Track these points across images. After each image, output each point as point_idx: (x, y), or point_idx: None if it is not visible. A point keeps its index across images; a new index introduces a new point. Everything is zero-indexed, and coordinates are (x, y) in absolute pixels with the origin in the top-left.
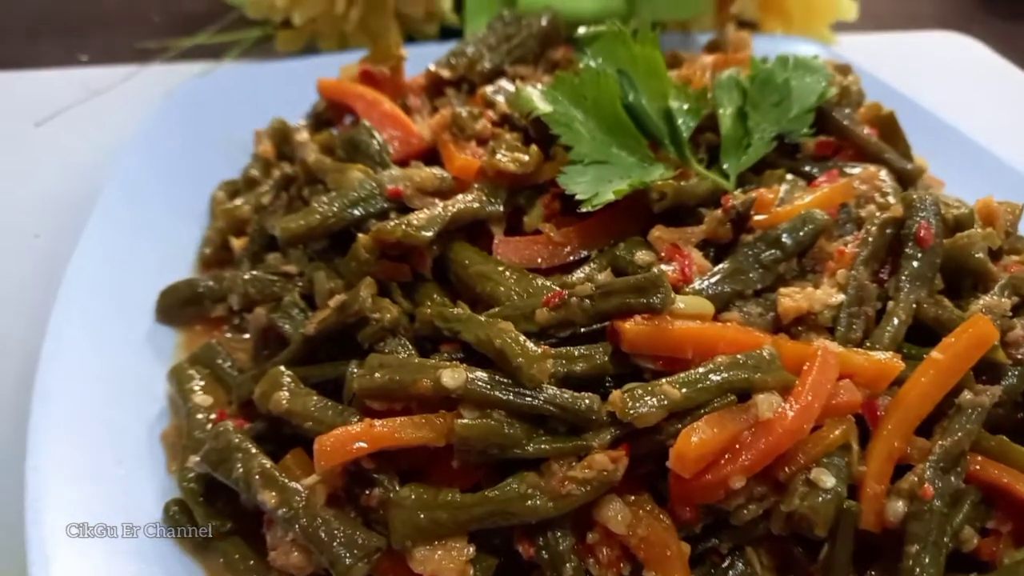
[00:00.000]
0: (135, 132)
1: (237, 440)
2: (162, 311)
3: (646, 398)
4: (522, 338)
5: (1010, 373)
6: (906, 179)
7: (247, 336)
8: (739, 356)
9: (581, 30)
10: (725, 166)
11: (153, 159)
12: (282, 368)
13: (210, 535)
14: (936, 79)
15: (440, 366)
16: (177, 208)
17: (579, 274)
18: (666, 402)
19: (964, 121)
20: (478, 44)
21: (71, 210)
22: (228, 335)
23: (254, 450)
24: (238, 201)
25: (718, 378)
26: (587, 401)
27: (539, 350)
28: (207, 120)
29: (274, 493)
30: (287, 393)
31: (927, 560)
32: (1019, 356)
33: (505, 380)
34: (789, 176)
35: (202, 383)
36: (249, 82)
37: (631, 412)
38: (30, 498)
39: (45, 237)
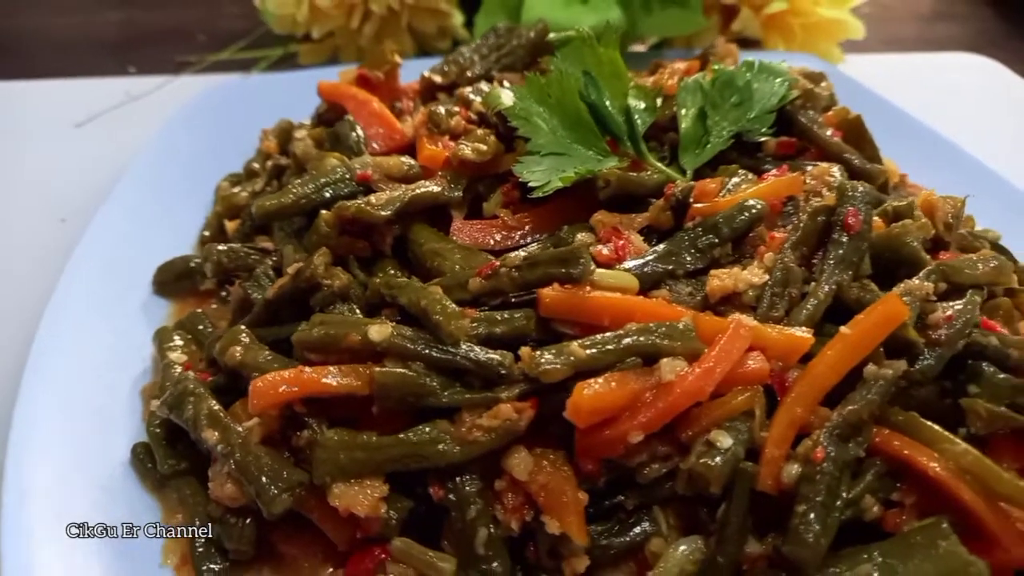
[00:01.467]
0: (157, 131)
1: (192, 386)
2: (158, 284)
3: (553, 356)
4: (446, 300)
5: (927, 354)
6: (866, 179)
7: None
8: (651, 324)
9: (552, 35)
10: (683, 162)
11: (170, 154)
12: (242, 327)
13: (167, 474)
14: (951, 98)
15: (370, 322)
16: (187, 197)
17: (522, 253)
18: (572, 360)
19: (975, 138)
20: (471, 52)
21: (96, 198)
22: (214, 306)
23: (205, 395)
24: (236, 189)
25: (626, 342)
26: (499, 357)
27: (458, 310)
28: (223, 122)
29: (216, 432)
30: (241, 348)
31: (812, 518)
32: (937, 337)
33: (427, 337)
34: (742, 172)
35: (181, 344)
36: (263, 89)
37: (537, 368)
38: (14, 435)
39: (70, 222)
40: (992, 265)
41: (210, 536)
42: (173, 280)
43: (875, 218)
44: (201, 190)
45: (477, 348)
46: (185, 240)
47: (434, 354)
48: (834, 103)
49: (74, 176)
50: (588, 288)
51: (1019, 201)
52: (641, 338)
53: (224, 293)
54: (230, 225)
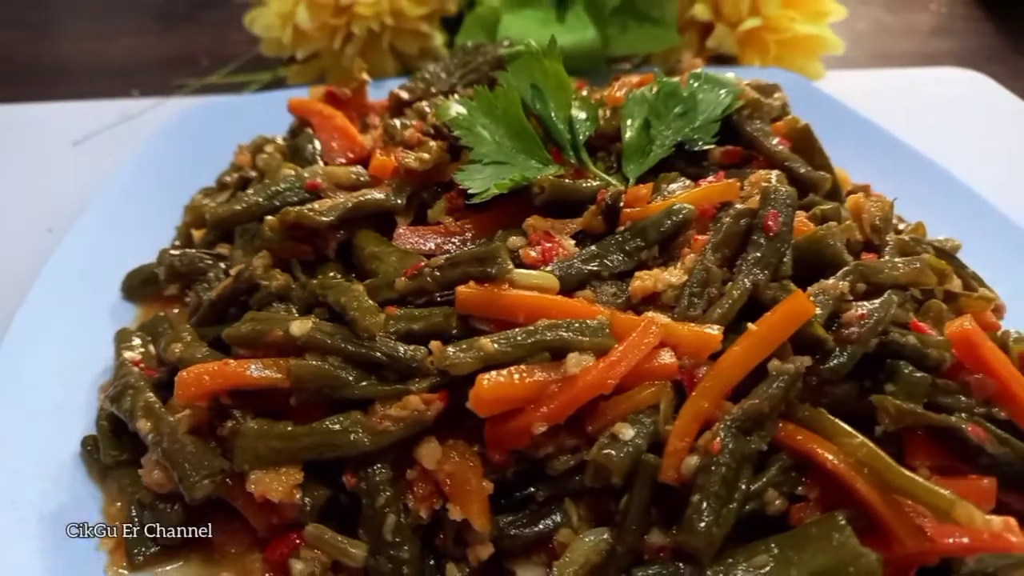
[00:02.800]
0: (138, 147)
1: (133, 380)
2: (126, 289)
3: (462, 350)
4: (363, 297)
5: (838, 351)
6: (809, 186)
7: None
8: (562, 321)
9: (502, 50)
10: (627, 171)
11: (150, 169)
12: (186, 326)
13: (109, 464)
14: (937, 112)
15: (293, 319)
16: (164, 210)
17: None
18: (481, 354)
19: (959, 152)
20: (439, 69)
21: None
22: (176, 311)
23: (144, 388)
24: (207, 201)
25: (536, 337)
26: (411, 351)
27: (375, 306)
28: (203, 139)
29: (149, 422)
30: (182, 345)
31: (706, 508)
32: (849, 335)
33: (345, 332)
34: (682, 179)
35: (138, 344)
36: (243, 108)
37: (446, 361)
38: None
39: (56, 232)
40: (914, 266)
41: (142, 522)
42: (139, 285)
43: (805, 221)
44: (178, 203)
45: (392, 342)
46: (158, 249)
47: (350, 348)
48: (786, 113)
49: (68, 190)
50: (506, 286)
51: (985, 211)
52: (549, 334)
53: (187, 298)
54: (196, 234)
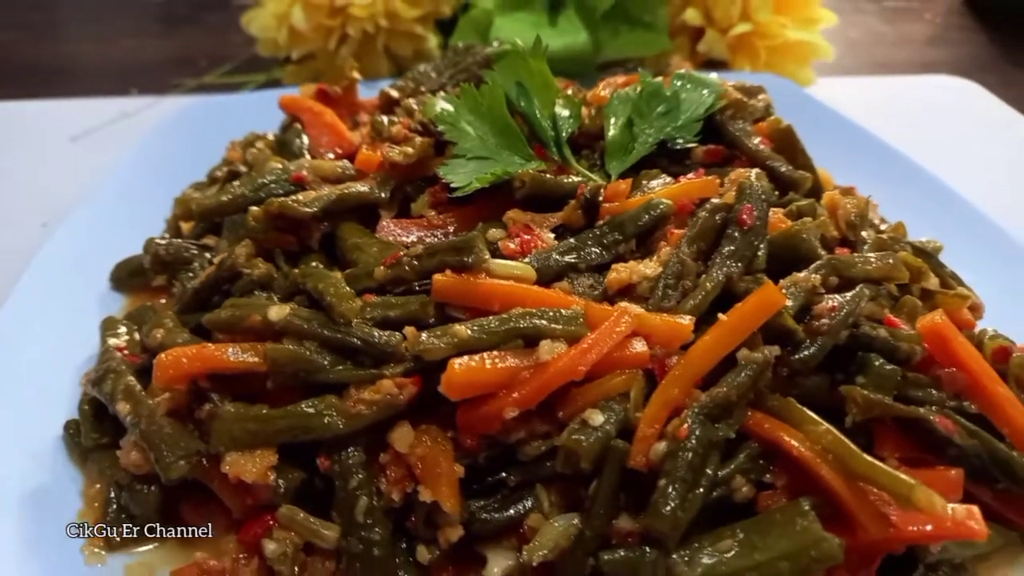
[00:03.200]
0: (135, 143)
1: (114, 364)
2: (115, 280)
3: (437, 336)
4: (341, 284)
5: (808, 343)
6: (790, 185)
7: None
8: (536, 309)
9: (489, 49)
10: (609, 168)
11: (145, 165)
12: (168, 312)
13: (90, 447)
14: (928, 119)
15: (271, 304)
16: (157, 204)
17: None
18: (455, 340)
19: (949, 158)
20: (430, 69)
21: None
22: (163, 301)
23: (125, 373)
24: (196, 195)
25: (510, 325)
26: (386, 336)
27: (351, 292)
28: (198, 136)
29: (128, 404)
30: (163, 330)
31: (671, 492)
32: (819, 327)
33: (322, 318)
34: (663, 176)
35: (123, 332)
36: (237, 107)
37: (420, 346)
38: None
39: (51, 226)
40: (887, 261)
41: (120, 503)
42: (128, 276)
43: (781, 217)
44: (171, 199)
45: (367, 328)
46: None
47: (326, 333)
48: (769, 114)
49: (65, 186)
50: (483, 276)
51: (972, 216)
52: (523, 322)
53: (174, 289)
54: (185, 227)
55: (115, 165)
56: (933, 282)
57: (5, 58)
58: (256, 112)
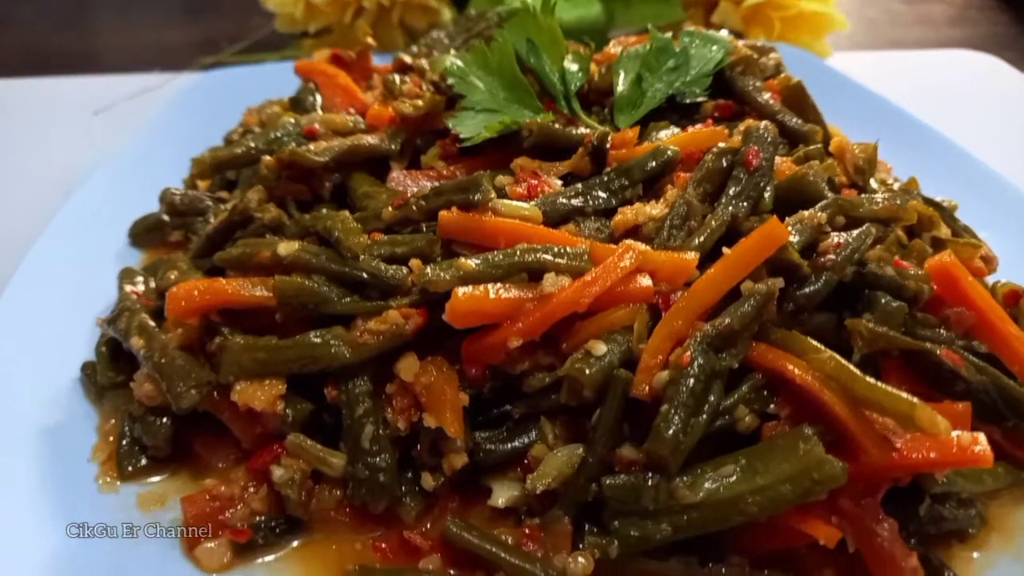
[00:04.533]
0: (156, 112)
1: (129, 304)
2: (133, 235)
3: (443, 268)
4: (349, 220)
5: (813, 278)
6: (800, 138)
7: None
8: (541, 245)
9: (500, 8)
10: (618, 121)
11: (164, 131)
12: (183, 257)
13: (105, 384)
14: (947, 92)
15: (280, 241)
16: (175, 168)
17: None
18: (460, 273)
19: (966, 131)
20: (442, 35)
21: None
22: (180, 254)
23: (140, 311)
24: None
25: (515, 259)
26: (393, 269)
27: (359, 227)
28: (217, 105)
29: (142, 339)
30: (177, 272)
31: (673, 417)
32: (825, 263)
33: (331, 253)
34: (672, 128)
35: (140, 279)
36: (255, 77)
37: (425, 278)
38: None
39: (73, 194)
40: (895, 202)
41: (133, 435)
42: (145, 232)
43: (789, 164)
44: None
45: (375, 262)
46: None
47: (333, 266)
48: (780, 72)
49: (87, 157)
50: (489, 214)
51: (991, 179)
52: (528, 256)
53: (190, 244)
54: (202, 185)
55: (134, 134)
56: (944, 231)
57: (34, 44)
58: (272, 82)
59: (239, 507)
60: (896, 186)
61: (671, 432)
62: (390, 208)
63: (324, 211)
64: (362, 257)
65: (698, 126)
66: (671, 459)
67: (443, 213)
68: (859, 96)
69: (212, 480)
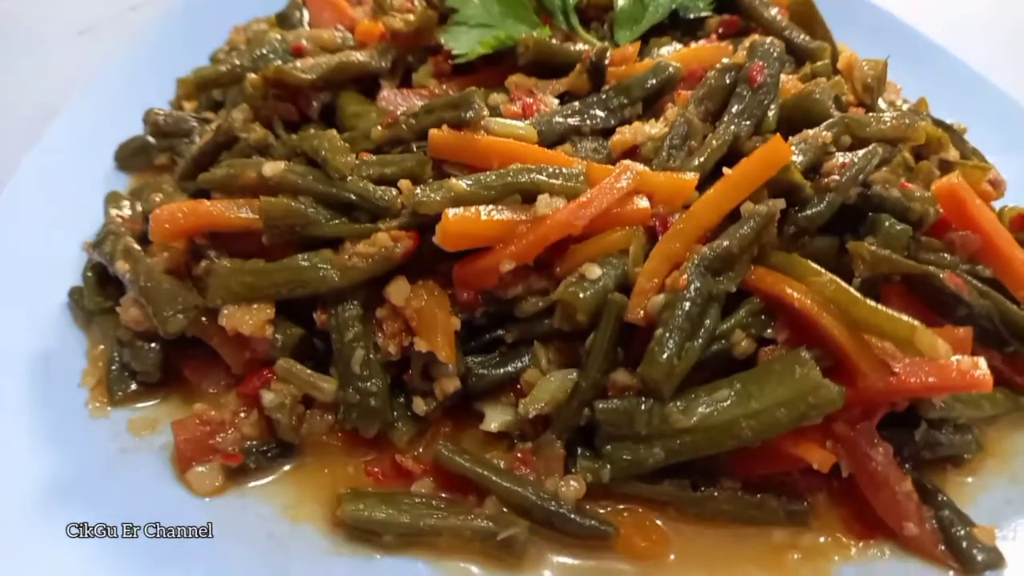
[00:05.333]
0: (139, 33)
1: (115, 227)
2: (119, 159)
3: (433, 189)
4: (336, 140)
5: (816, 200)
6: (807, 55)
7: None
8: (535, 165)
9: None
10: (618, 38)
11: (148, 52)
12: (168, 179)
13: (94, 310)
14: (959, 15)
15: (265, 161)
16: (160, 90)
17: None
18: (451, 194)
19: (979, 53)
20: None
21: None
22: (167, 177)
23: (125, 234)
24: None
25: (508, 179)
26: (382, 191)
27: (346, 147)
28: (203, 25)
29: (128, 263)
30: (162, 195)
31: (668, 341)
32: (828, 183)
33: (318, 173)
34: (674, 44)
35: (126, 204)
36: None
37: (415, 199)
38: None
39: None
40: (903, 121)
41: (122, 361)
42: (131, 155)
43: (796, 82)
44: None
45: (363, 183)
46: None
47: (321, 187)
48: None
49: (72, 77)
50: (481, 133)
51: (1000, 99)
52: (522, 177)
53: (176, 168)
54: (188, 106)
55: (118, 55)
56: (953, 154)
57: None
58: (261, 1)
59: (230, 432)
60: (905, 107)
61: (665, 356)
62: (379, 127)
63: (312, 131)
64: (350, 178)
65: (701, 42)
66: (664, 384)
67: (434, 132)
68: (870, 13)
69: (202, 405)
